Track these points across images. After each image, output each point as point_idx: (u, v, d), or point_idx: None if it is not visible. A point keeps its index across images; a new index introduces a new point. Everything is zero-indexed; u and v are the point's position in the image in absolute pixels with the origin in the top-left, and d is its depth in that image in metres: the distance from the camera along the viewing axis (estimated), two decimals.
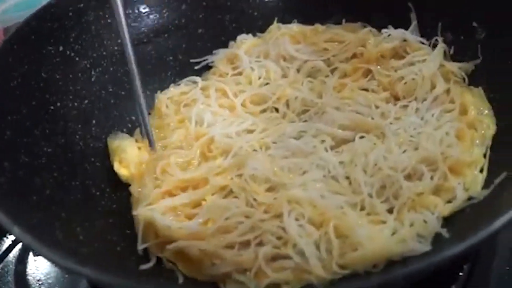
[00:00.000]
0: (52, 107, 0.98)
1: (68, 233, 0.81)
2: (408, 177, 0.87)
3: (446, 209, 0.84)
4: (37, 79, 0.97)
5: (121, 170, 0.98)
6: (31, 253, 1.01)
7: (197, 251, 0.82)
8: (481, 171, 0.88)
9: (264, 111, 1.05)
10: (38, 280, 0.97)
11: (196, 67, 1.17)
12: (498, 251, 0.93)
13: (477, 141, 0.91)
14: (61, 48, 1.02)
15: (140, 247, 0.86)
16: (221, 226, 0.83)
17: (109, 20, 1.10)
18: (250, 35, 1.20)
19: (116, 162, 0.99)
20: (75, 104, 1.02)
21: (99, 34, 1.09)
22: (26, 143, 0.90)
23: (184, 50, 1.18)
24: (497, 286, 0.89)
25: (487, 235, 0.64)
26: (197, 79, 1.12)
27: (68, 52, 1.03)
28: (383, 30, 1.10)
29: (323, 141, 0.94)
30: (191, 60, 1.17)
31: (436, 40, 1.06)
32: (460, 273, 0.89)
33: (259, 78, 1.09)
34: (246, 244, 0.82)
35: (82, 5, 1.06)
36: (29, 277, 0.97)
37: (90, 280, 0.87)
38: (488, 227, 0.65)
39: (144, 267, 0.84)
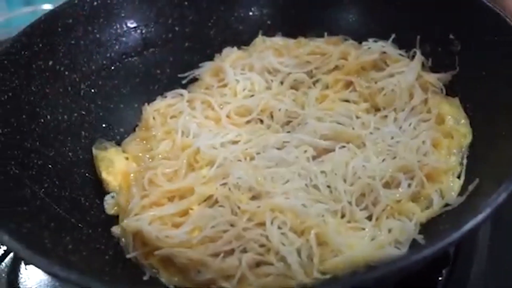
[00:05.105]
0: (42, 120, 0.99)
1: (57, 242, 0.82)
2: (387, 185, 0.90)
3: (423, 216, 0.87)
4: (27, 93, 0.99)
5: (109, 178, 1.00)
6: (22, 263, 1.01)
7: (183, 259, 0.84)
8: (458, 177, 0.90)
9: (248, 122, 1.06)
10: None
11: (183, 81, 1.18)
12: (476, 256, 0.95)
13: (454, 150, 0.94)
14: (50, 63, 1.04)
15: (129, 256, 0.89)
16: (206, 235, 0.86)
17: (97, 35, 1.13)
18: (235, 48, 1.21)
19: (103, 171, 1.01)
20: (65, 117, 1.04)
21: (87, 48, 1.11)
22: (17, 156, 0.91)
23: (171, 64, 1.20)
24: None
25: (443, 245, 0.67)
26: (184, 91, 1.13)
27: (57, 67, 1.05)
28: (364, 43, 1.14)
29: (305, 151, 0.96)
30: (179, 75, 1.19)
31: (415, 52, 1.08)
32: (439, 277, 0.91)
33: (244, 90, 1.11)
34: (231, 252, 0.84)
35: (71, 20, 1.08)
36: (21, 286, 0.98)
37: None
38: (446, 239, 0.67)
39: (144, 278, 0.86)
